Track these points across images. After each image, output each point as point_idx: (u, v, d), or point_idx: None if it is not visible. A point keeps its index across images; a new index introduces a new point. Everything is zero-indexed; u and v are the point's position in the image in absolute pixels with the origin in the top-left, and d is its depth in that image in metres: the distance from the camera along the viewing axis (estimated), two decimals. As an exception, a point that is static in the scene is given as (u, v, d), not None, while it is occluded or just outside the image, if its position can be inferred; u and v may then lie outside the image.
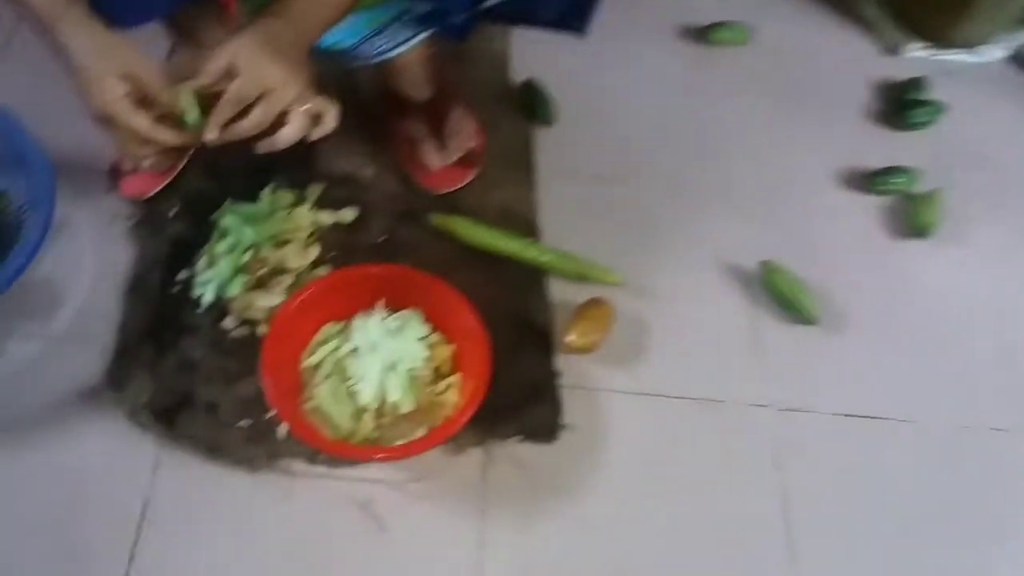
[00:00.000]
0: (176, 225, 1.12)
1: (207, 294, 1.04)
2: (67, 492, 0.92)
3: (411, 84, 1.21)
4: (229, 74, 0.84)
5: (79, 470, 0.94)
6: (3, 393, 0.97)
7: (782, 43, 1.47)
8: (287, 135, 0.88)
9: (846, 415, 1.08)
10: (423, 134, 1.20)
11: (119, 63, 0.82)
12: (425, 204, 1.20)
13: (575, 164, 1.27)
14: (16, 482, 0.93)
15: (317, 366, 1.00)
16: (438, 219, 1.16)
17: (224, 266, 1.05)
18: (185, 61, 1.13)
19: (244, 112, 0.85)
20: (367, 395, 0.96)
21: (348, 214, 1.17)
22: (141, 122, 0.83)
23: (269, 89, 0.84)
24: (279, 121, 0.87)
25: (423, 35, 1.05)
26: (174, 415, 0.97)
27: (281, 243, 1.10)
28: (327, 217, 1.16)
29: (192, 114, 0.86)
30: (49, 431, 0.95)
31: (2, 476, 0.93)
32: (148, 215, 1.12)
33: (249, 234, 1.07)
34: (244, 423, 0.98)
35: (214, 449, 0.96)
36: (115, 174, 1.13)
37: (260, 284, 1.06)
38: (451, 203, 1.20)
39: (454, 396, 0.99)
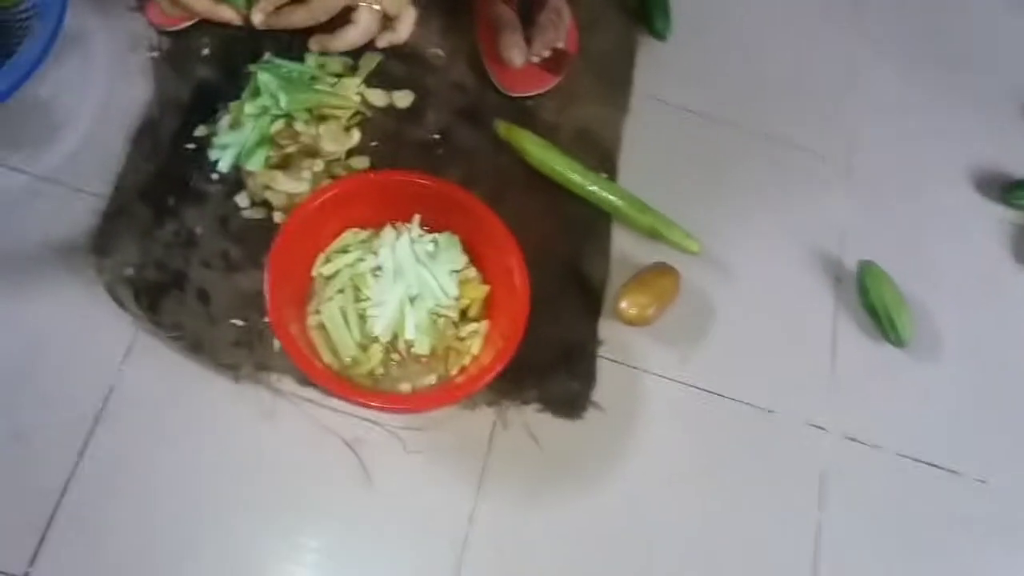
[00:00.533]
0: (205, 69, 0.95)
1: (224, 160, 0.89)
2: (22, 361, 0.80)
3: (509, -43, 1.01)
4: None
5: (40, 338, 0.81)
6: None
7: (952, -2, 1.23)
8: (348, 38, 0.78)
9: (913, 459, 0.95)
10: (510, 21, 1.00)
11: None
12: (493, 105, 1.02)
13: (677, 92, 1.08)
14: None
15: (331, 277, 0.86)
16: (503, 127, 0.99)
17: (249, 131, 0.89)
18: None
19: None
20: (380, 325, 0.83)
21: (403, 98, 1.00)
22: None
23: None
24: (343, 16, 0.71)
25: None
26: (159, 296, 0.84)
27: (319, 118, 0.93)
28: (378, 97, 0.98)
29: None
30: (14, 284, 0.82)
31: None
32: (175, 50, 0.96)
33: (285, 99, 0.90)
34: (237, 322, 0.85)
35: (197, 345, 0.83)
36: (142, -8, 0.96)
37: (285, 163, 0.91)
38: (523, 110, 1.03)
39: (476, 346, 0.85)
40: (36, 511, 0.76)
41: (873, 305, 0.98)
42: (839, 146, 1.09)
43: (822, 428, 0.94)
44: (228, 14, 0.73)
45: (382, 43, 0.78)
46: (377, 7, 0.74)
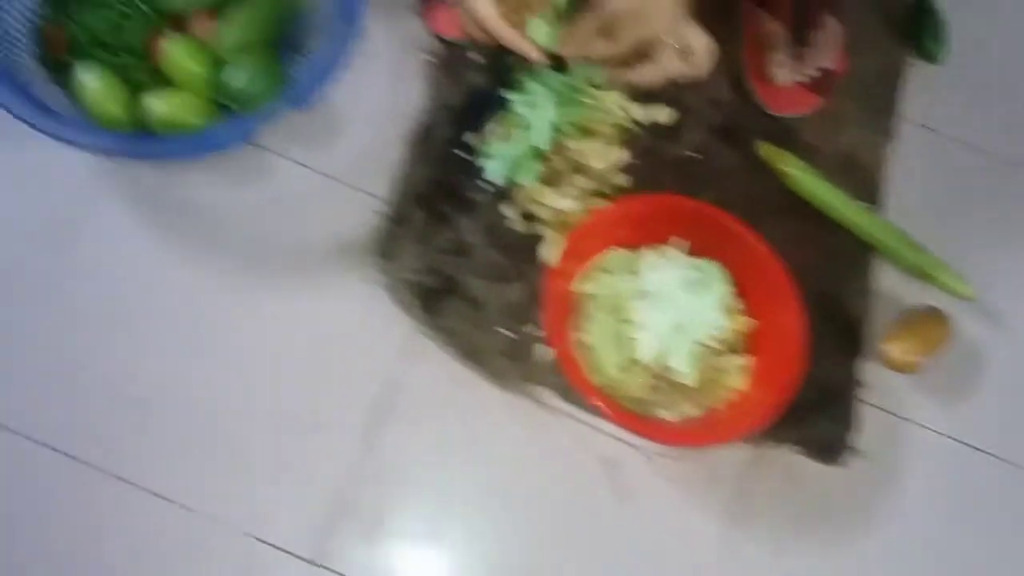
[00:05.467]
0: (477, 76, 0.97)
1: (494, 171, 0.91)
2: (309, 348, 0.85)
3: (785, -29, 0.97)
4: None
5: (326, 328, 0.86)
6: (265, 221, 0.89)
7: None
8: (649, 75, 0.75)
9: None
10: (780, 38, 0.97)
11: None
12: (753, 123, 1.00)
13: (952, 121, 1.02)
14: (260, 322, 0.86)
15: (595, 296, 0.86)
16: (765, 149, 0.96)
17: (519, 145, 0.90)
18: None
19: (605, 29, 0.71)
20: (646, 351, 0.83)
21: (663, 113, 0.99)
22: (482, 9, 0.71)
23: (641, 10, 0.70)
24: (643, 49, 0.72)
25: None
26: (435, 301, 0.87)
27: (585, 133, 0.93)
28: (639, 112, 0.97)
29: (541, 29, 0.74)
30: (303, 277, 0.88)
31: (249, 312, 0.86)
32: (450, 56, 0.98)
33: (554, 112, 0.90)
34: (505, 332, 0.87)
35: (470, 352, 0.86)
36: (429, -2, 0.98)
37: (553, 178, 0.91)
38: (784, 130, 1.00)
39: (739, 380, 0.84)
40: (325, 499, 0.80)
41: None
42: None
43: (1100, 497, 0.88)
44: (531, 51, 0.74)
45: (675, 76, 0.77)
46: (679, 43, 0.73)
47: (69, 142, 0.77)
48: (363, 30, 0.84)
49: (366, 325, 0.86)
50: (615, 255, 0.88)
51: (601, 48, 0.73)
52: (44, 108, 0.79)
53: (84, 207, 0.87)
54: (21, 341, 0.83)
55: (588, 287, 0.87)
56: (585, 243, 0.86)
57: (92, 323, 0.84)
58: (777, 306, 0.82)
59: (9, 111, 0.77)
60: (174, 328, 0.85)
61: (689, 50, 0.74)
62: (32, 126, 0.76)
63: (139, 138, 0.82)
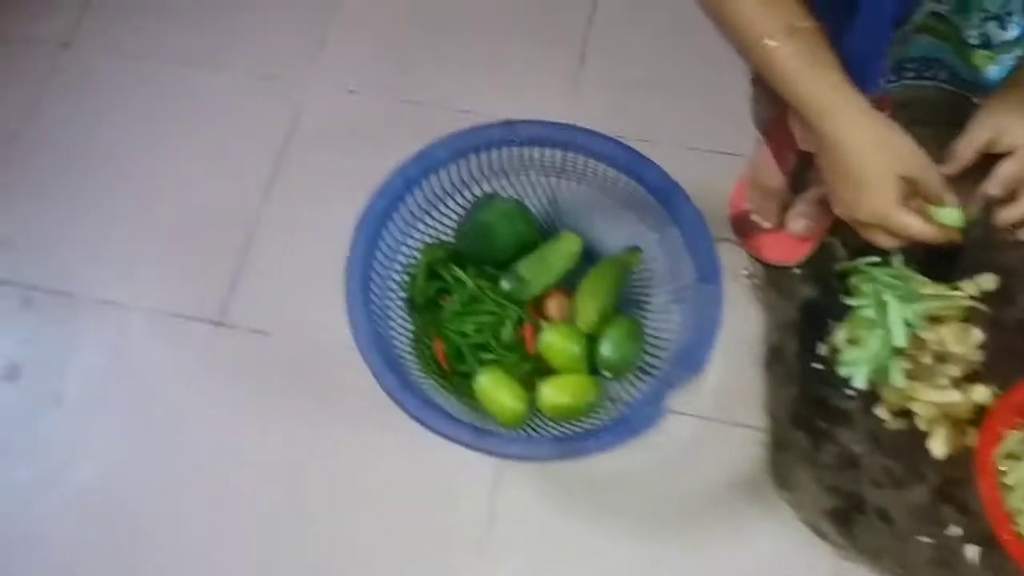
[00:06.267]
0: (804, 288, 1.02)
1: (858, 377, 0.93)
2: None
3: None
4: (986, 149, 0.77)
5: (752, 572, 0.88)
6: (662, 476, 0.94)
7: None
8: None
9: None
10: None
11: (900, 161, 0.72)
12: (1078, 270, 1.00)
13: None
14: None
15: (1013, 486, 0.86)
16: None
17: (877, 348, 0.93)
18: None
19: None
20: (1091, 533, 0.81)
21: (988, 280, 1.00)
22: (913, 223, 0.73)
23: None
24: None
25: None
26: (847, 522, 0.89)
27: (934, 321, 0.96)
28: (970, 286, 1.00)
29: (954, 211, 0.76)
30: (713, 524, 0.92)
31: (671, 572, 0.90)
32: (774, 277, 1.03)
33: (901, 311, 0.93)
34: (924, 539, 0.88)
35: (899, 568, 0.87)
36: (744, 226, 1.05)
37: (920, 372, 0.94)
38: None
39: None
40: None
41: None
42: None
43: None
44: (955, 236, 0.77)
45: None
46: None
47: (518, 458, 0.83)
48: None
49: (790, 562, 0.88)
50: (1015, 438, 0.88)
51: (1012, 214, 0.79)
52: (479, 430, 0.83)
53: (492, 494, 0.94)
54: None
55: (1005, 479, 0.87)
56: (989, 433, 0.87)
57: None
58: None
59: (439, 433, 0.83)
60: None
61: None
62: (479, 449, 0.81)
63: (577, 439, 0.84)
